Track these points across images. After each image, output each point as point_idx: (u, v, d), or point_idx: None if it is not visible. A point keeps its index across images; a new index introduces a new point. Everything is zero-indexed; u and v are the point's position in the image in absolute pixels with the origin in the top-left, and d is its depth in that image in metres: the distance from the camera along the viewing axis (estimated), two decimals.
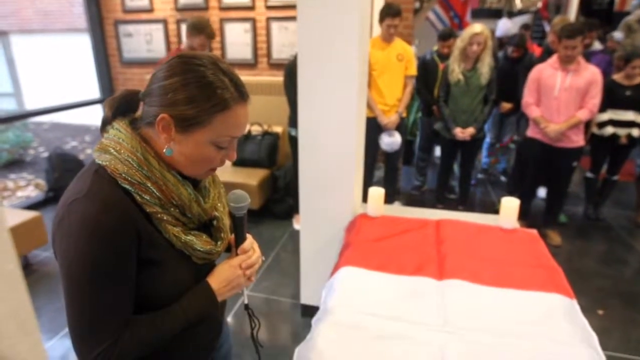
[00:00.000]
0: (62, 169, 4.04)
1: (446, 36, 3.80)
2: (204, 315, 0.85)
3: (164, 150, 0.76)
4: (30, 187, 5.57)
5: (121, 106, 0.81)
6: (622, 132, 3.27)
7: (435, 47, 3.94)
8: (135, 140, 0.76)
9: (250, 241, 0.93)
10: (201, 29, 2.88)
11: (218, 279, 0.87)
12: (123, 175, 0.73)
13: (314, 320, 1.40)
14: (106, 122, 0.81)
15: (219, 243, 0.87)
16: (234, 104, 0.75)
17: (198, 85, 0.72)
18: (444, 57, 3.76)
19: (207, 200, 0.86)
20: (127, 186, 0.73)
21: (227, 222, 0.91)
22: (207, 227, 0.88)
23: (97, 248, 0.69)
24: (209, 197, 0.87)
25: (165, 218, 0.77)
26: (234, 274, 0.88)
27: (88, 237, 0.69)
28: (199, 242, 0.82)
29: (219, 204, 0.89)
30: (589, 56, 3.73)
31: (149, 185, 0.74)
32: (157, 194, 0.75)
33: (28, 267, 2.92)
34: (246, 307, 0.98)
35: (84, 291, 0.70)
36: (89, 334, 0.72)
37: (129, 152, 0.74)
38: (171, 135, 0.75)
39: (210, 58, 0.75)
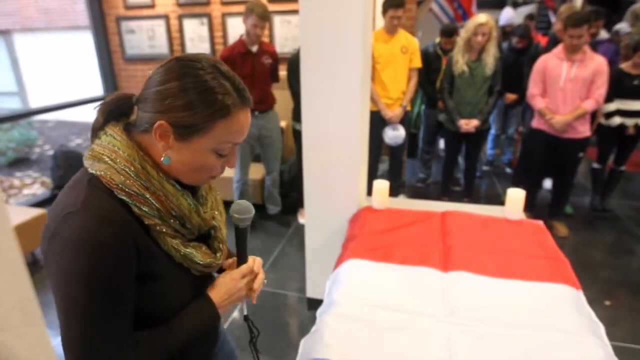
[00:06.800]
0: (67, 166, 4.06)
1: (449, 33, 3.76)
2: (206, 329, 0.83)
3: (162, 159, 0.72)
4: (36, 184, 5.62)
5: (114, 111, 0.76)
6: (629, 122, 3.23)
7: (438, 40, 3.90)
8: (131, 148, 0.71)
9: (250, 265, 0.90)
10: (251, 9, 2.80)
11: (219, 292, 0.84)
12: (120, 186, 0.68)
13: (319, 312, 1.41)
14: (97, 128, 0.76)
15: (218, 255, 0.84)
16: (235, 110, 0.71)
17: (197, 91, 0.68)
18: (447, 52, 3.73)
19: (206, 209, 0.82)
20: (124, 197, 0.68)
21: (225, 231, 0.88)
22: (205, 237, 0.84)
23: (97, 265, 0.64)
24: (207, 205, 0.84)
25: (164, 230, 0.73)
26: (235, 287, 0.85)
27: (86, 254, 0.64)
28: (199, 255, 0.79)
29: (216, 212, 0.86)
30: (595, 45, 3.68)
31: (147, 196, 0.70)
32: (157, 205, 0.71)
33: (35, 264, 2.94)
34: (245, 318, 0.95)
35: (85, 311, 0.65)
36: (89, 358, 0.67)
37: (125, 161, 0.70)
38: (169, 143, 0.71)
39: (209, 61, 0.71)
